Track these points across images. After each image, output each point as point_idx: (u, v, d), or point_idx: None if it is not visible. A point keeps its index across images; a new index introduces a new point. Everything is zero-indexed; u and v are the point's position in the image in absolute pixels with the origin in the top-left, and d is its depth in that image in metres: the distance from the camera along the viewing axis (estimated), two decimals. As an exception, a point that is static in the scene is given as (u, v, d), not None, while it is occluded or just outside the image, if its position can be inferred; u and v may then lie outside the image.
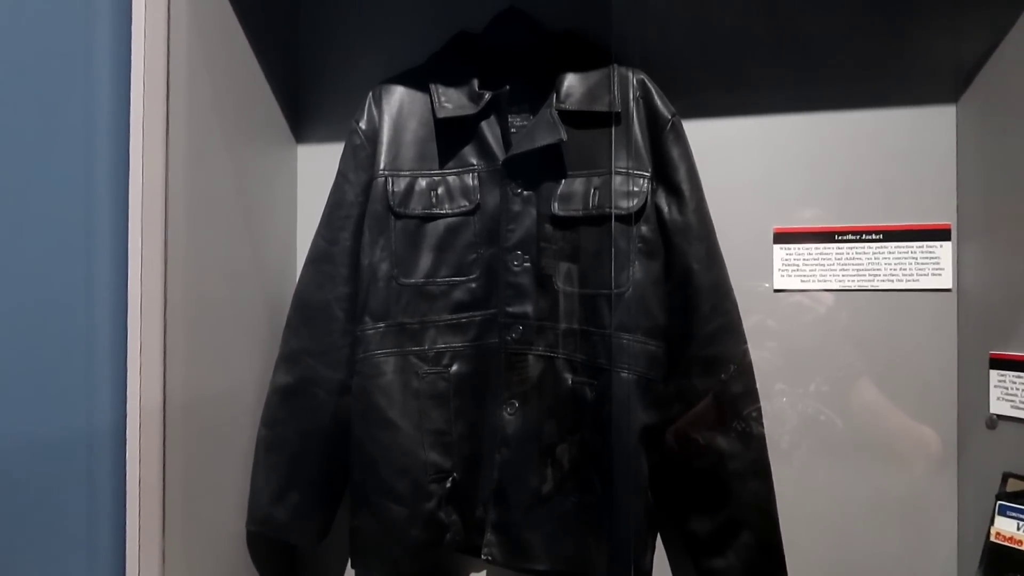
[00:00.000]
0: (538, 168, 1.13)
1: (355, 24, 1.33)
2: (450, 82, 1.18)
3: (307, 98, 1.36)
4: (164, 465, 0.98)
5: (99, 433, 0.95)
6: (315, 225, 1.21)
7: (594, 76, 1.14)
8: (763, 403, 1.09)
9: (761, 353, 1.14)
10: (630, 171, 1.10)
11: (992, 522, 1.00)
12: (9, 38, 0.86)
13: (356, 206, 1.18)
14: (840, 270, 1.15)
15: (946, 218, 1.12)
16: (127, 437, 0.95)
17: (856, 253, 1.14)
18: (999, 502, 1.00)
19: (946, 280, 1.11)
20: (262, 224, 1.24)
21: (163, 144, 0.98)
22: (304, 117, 1.36)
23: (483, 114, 1.16)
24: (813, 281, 1.16)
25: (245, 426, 1.19)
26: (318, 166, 1.31)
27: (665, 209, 1.10)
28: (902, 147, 1.13)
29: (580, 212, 1.12)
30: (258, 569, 1.22)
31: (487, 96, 1.15)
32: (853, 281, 1.14)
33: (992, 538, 1.00)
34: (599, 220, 1.10)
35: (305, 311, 1.20)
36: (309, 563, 1.35)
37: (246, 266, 1.19)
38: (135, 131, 0.96)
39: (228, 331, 1.14)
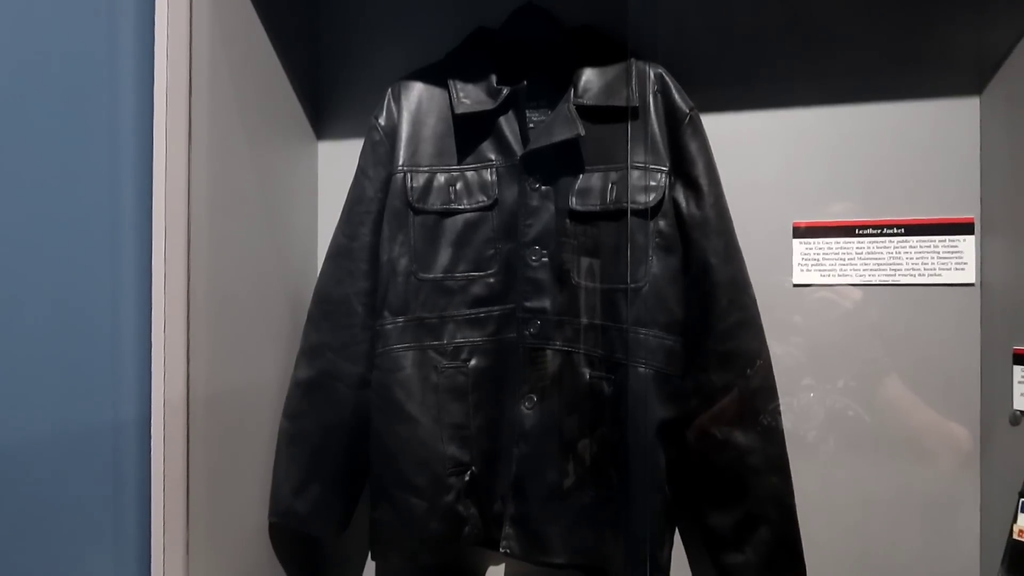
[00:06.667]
0: (556, 163, 1.13)
1: (374, 21, 1.34)
2: (468, 78, 1.18)
3: (327, 95, 1.37)
4: (188, 458, 0.99)
5: (124, 427, 0.97)
6: (335, 220, 1.22)
7: (612, 71, 1.13)
8: (782, 399, 1.09)
9: (779, 348, 1.14)
10: (648, 166, 1.10)
11: (1015, 519, 0.99)
12: (33, 39, 0.87)
13: (375, 202, 1.19)
14: (861, 265, 1.14)
15: (969, 212, 1.10)
16: (151, 431, 0.98)
17: (877, 247, 1.13)
18: (1023, 499, 0.99)
19: (969, 275, 1.10)
20: (283, 220, 1.26)
21: (186, 141, 0.99)
22: (324, 113, 1.37)
23: (501, 109, 1.17)
24: (833, 276, 1.15)
25: (267, 419, 1.21)
26: (338, 162, 1.32)
27: (683, 203, 1.10)
28: (924, 140, 1.12)
29: (598, 207, 1.12)
30: (280, 560, 1.24)
31: (505, 91, 1.15)
32: (874, 276, 1.13)
33: (1015, 536, 0.99)
34: (617, 215, 1.10)
35: (325, 306, 1.21)
36: (330, 554, 1.37)
37: (268, 261, 1.21)
38: (158, 129, 0.97)
39: (250, 326, 1.16)
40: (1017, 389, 1.02)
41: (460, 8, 1.27)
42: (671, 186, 1.10)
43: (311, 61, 1.34)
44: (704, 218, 1.08)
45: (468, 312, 1.17)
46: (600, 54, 1.14)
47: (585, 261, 1.13)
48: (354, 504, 1.25)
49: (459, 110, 1.16)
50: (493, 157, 1.18)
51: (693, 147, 1.09)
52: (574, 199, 1.13)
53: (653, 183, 1.09)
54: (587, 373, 1.12)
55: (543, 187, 1.14)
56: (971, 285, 1.10)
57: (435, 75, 1.21)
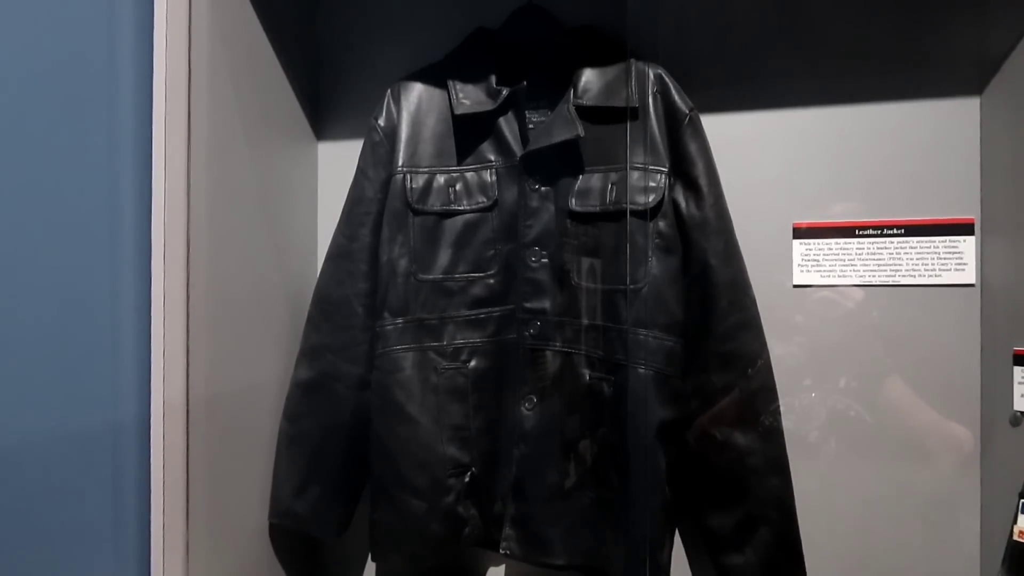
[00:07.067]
0: (556, 164, 1.13)
1: (374, 22, 1.34)
2: (468, 78, 1.18)
3: (327, 95, 1.37)
4: (188, 459, 0.99)
5: (124, 428, 0.97)
6: (335, 221, 1.22)
7: (611, 71, 1.13)
8: (783, 399, 1.09)
9: (780, 349, 1.14)
10: (647, 166, 1.10)
11: (1016, 520, 0.99)
12: (33, 41, 0.87)
13: (375, 203, 1.19)
14: (861, 265, 1.14)
15: (969, 212, 1.10)
16: (151, 432, 0.98)
17: (877, 248, 1.13)
18: (1023, 500, 0.98)
19: (969, 275, 1.10)
20: (283, 221, 1.26)
21: (185, 143, 0.99)
22: (324, 114, 1.37)
23: (501, 110, 1.17)
24: (833, 277, 1.15)
25: (267, 421, 1.20)
26: (338, 163, 1.32)
27: (683, 204, 1.09)
28: (924, 140, 1.12)
29: (597, 208, 1.11)
30: (280, 561, 1.24)
31: (505, 92, 1.15)
32: (874, 276, 1.13)
33: (1015, 536, 0.99)
34: (616, 216, 1.10)
35: (325, 307, 1.21)
36: (330, 555, 1.37)
37: (267, 262, 1.21)
38: (157, 130, 0.97)
39: (250, 327, 1.16)
40: (1017, 390, 1.02)
41: (460, 8, 1.27)
42: (671, 187, 1.10)
43: (311, 62, 1.34)
44: (704, 219, 1.08)
45: (468, 313, 1.17)
46: (600, 54, 1.14)
47: (585, 262, 1.13)
48: (354, 505, 1.25)
49: (459, 111, 1.16)
50: (493, 158, 1.18)
51: (693, 148, 1.09)
52: (574, 200, 1.12)
53: (653, 184, 1.09)
54: (587, 374, 1.12)
55: (543, 188, 1.14)
56: (971, 286, 1.10)
57: (435, 76, 1.21)
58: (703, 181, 1.09)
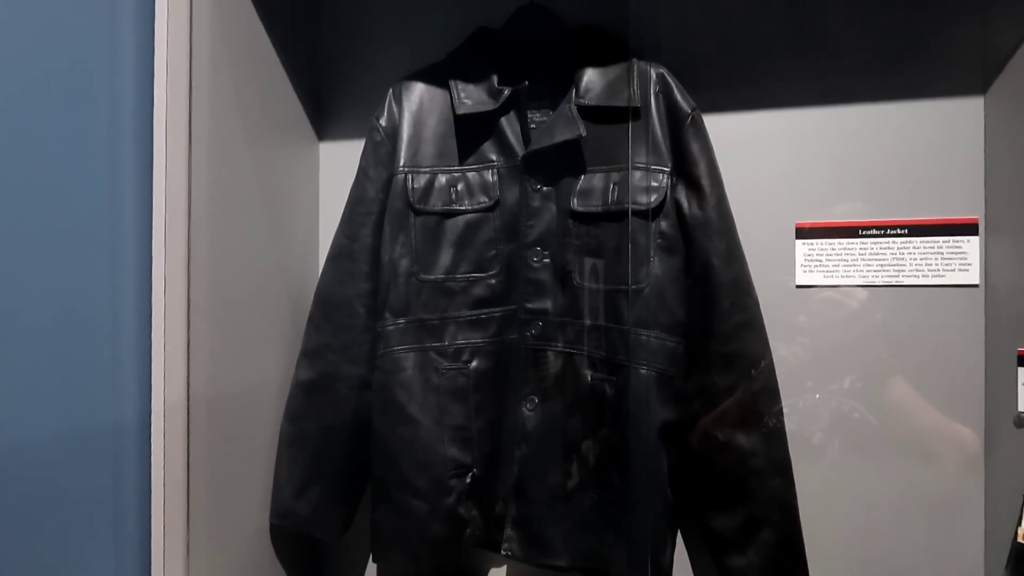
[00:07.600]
0: (557, 164, 1.13)
1: (376, 22, 1.34)
2: (469, 78, 1.18)
3: (329, 95, 1.37)
4: (188, 460, 0.99)
5: (124, 428, 0.96)
6: (337, 221, 1.22)
7: (613, 71, 1.13)
8: (786, 400, 1.08)
9: (783, 350, 1.13)
10: (649, 166, 1.09)
11: (1020, 522, 0.98)
12: (33, 41, 0.87)
13: (376, 203, 1.19)
14: (864, 266, 1.13)
15: (973, 212, 1.10)
16: (152, 432, 0.97)
17: (881, 248, 1.12)
18: (1027, 502, 0.98)
19: (973, 276, 1.09)
20: (284, 221, 1.25)
21: (186, 142, 0.99)
22: (326, 114, 1.37)
23: (502, 110, 1.16)
24: (836, 277, 1.14)
25: (268, 421, 1.20)
26: (340, 163, 1.32)
27: (685, 204, 1.09)
28: (928, 140, 1.11)
29: (599, 208, 1.11)
30: (281, 562, 1.24)
31: (506, 92, 1.15)
32: (878, 277, 1.13)
33: (1020, 539, 0.98)
34: (619, 216, 1.10)
35: (326, 307, 1.21)
36: (331, 556, 1.37)
37: (268, 262, 1.20)
38: (158, 130, 0.97)
39: (251, 327, 1.15)
40: (1022, 391, 1.02)
41: (461, 8, 1.27)
42: (673, 187, 1.09)
43: (312, 61, 1.34)
44: (706, 219, 1.08)
45: (469, 313, 1.17)
46: (601, 54, 1.14)
47: (587, 262, 1.13)
48: (355, 506, 1.25)
49: (460, 111, 1.16)
50: (494, 158, 1.17)
51: (695, 147, 1.09)
52: (576, 200, 1.12)
53: (655, 184, 1.09)
54: (589, 375, 1.11)
55: (545, 188, 1.14)
56: (975, 286, 1.10)
57: (436, 76, 1.21)
58: (705, 181, 1.08)
